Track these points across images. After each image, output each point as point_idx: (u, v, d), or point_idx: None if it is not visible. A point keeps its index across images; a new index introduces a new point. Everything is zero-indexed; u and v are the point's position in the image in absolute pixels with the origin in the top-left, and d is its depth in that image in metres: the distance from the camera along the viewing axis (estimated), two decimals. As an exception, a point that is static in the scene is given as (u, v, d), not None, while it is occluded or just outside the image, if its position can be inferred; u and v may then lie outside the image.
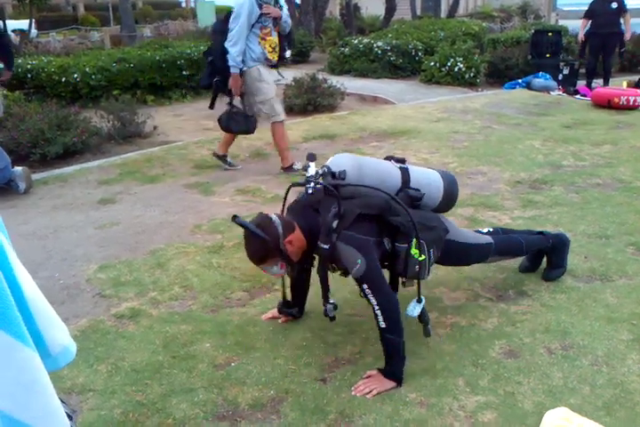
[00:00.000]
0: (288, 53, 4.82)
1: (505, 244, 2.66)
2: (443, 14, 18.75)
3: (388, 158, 2.45)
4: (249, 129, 4.78)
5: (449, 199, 2.46)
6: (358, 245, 2.09)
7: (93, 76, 8.15)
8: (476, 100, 7.94)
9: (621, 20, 8.38)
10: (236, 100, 4.84)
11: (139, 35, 15.75)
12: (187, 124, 7.48)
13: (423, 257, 2.18)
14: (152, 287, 2.95)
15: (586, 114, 6.91)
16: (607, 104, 7.06)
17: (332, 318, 2.24)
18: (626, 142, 5.48)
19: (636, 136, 5.69)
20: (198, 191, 4.48)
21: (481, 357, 2.30)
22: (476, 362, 2.27)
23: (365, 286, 2.10)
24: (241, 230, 3.60)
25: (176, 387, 2.18)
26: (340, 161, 2.28)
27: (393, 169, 2.34)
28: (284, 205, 2.36)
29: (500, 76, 10.09)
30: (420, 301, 2.21)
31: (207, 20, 20.58)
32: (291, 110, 7.70)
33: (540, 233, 2.85)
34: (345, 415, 2.01)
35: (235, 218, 2.08)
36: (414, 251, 2.16)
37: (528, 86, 8.82)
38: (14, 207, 4.27)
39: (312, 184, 2.13)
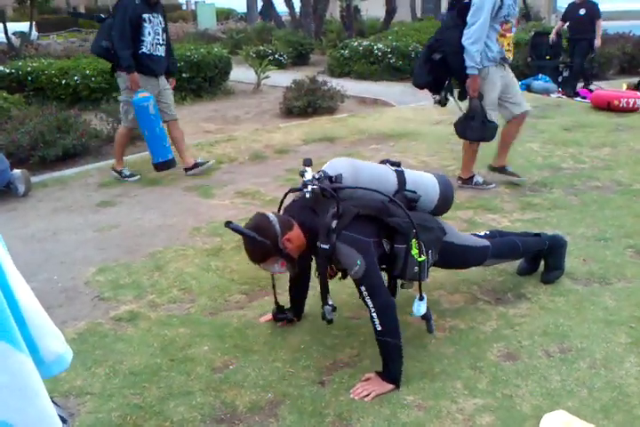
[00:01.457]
0: None
1: (502, 246, 2.67)
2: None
3: (384, 162, 2.46)
4: (485, 136, 4.17)
5: (445, 201, 2.48)
6: (358, 247, 2.10)
7: (93, 79, 8.16)
8: (476, 103, 7.93)
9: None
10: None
11: (139, 37, 15.73)
12: (186, 126, 7.43)
13: (423, 258, 2.19)
14: (150, 290, 2.95)
15: (585, 116, 6.92)
16: (607, 106, 7.06)
17: (330, 321, 2.23)
18: (625, 145, 5.48)
19: (636, 139, 5.69)
20: (198, 194, 4.48)
21: (479, 360, 2.30)
22: (475, 365, 2.27)
23: (363, 288, 2.10)
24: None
25: (174, 390, 2.18)
26: (336, 165, 2.30)
27: (389, 172, 2.36)
28: (279, 209, 2.35)
29: (499, 78, 10.08)
30: (422, 298, 2.21)
31: (207, 22, 20.65)
32: (290, 113, 7.72)
33: (537, 235, 2.86)
34: (343, 418, 2.01)
35: (228, 224, 2.08)
36: (414, 251, 2.17)
37: (528, 88, 8.82)
38: (14, 210, 4.27)
39: (309, 188, 2.15)
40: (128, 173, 4.93)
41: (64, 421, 1.53)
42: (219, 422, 2.02)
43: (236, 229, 2.08)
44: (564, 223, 3.60)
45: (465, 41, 3.89)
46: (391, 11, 15.88)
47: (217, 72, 9.43)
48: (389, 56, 11.04)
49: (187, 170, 4.97)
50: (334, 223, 2.09)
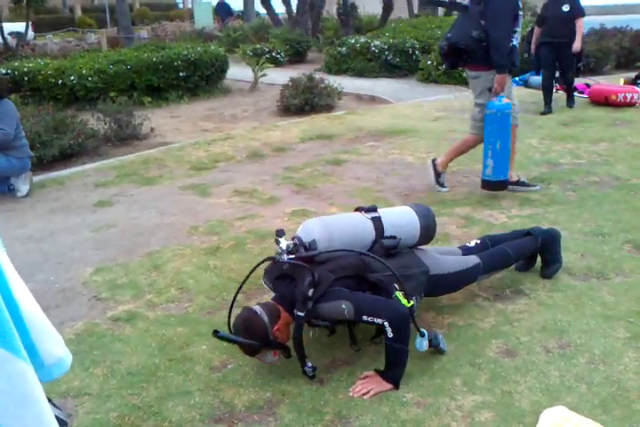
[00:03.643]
0: None
1: (493, 259, 2.66)
2: (440, 12, 18.72)
3: (359, 209, 2.47)
4: None
5: (427, 233, 2.51)
6: (335, 297, 2.13)
7: (90, 79, 8.15)
8: (474, 99, 7.92)
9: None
10: None
11: (136, 36, 15.73)
12: (184, 125, 7.47)
13: (412, 303, 2.19)
14: (148, 290, 2.95)
15: (583, 111, 6.90)
16: (605, 101, 7.05)
17: (312, 378, 2.21)
18: (623, 140, 5.47)
19: (634, 133, 5.68)
20: (195, 193, 4.47)
21: (478, 356, 2.29)
22: (474, 362, 2.26)
23: (365, 317, 2.10)
24: (237, 232, 3.62)
25: (172, 390, 2.17)
26: (309, 229, 2.33)
27: (364, 223, 2.38)
28: (246, 279, 2.33)
29: (497, 74, 10.07)
30: (422, 335, 2.21)
31: (204, 20, 20.58)
32: (288, 110, 7.71)
33: (528, 233, 2.85)
34: (342, 416, 2.00)
35: (216, 333, 2.09)
36: (404, 301, 2.17)
37: (525, 84, 8.81)
38: (11, 211, 4.26)
39: (285, 258, 2.20)
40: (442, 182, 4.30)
41: (64, 423, 1.53)
42: (217, 421, 2.01)
43: (225, 338, 2.12)
44: (561, 219, 3.59)
45: None
46: (388, 7, 15.85)
47: (214, 70, 9.42)
48: (386, 53, 11.02)
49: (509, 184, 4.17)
50: (310, 292, 2.11)
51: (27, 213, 4.21)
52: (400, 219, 2.45)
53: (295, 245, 2.26)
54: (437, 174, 4.30)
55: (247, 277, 2.30)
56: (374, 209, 2.45)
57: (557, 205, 3.84)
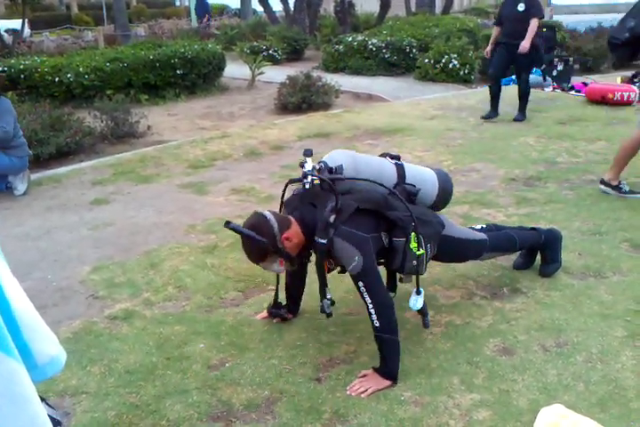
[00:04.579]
0: None
1: (498, 240, 2.67)
2: (438, 10, 18.71)
3: (383, 155, 2.45)
4: None
5: (444, 196, 2.47)
6: (356, 243, 2.08)
7: (87, 76, 8.12)
8: (471, 97, 7.94)
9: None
10: None
11: (132, 34, 15.68)
12: (181, 123, 7.46)
13: (422, 251, 2.19)
14: (145, 288, 2.94)
15: (580, 110, 6.91)
16: (601, 100, 7.05)
17: (329, 315, 2.22)
18: (620, 138, 5.46)
19: (630, 132, 5.68)
20: (192, 191, 4.46)
21: (476, 355, 2.30)
22: (471, 360, 2.26)
23: (361, 284, 2.09)
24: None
25: (170, 388, 2.17)
26: (336, 157, 2.29)
27: (388, 165, 2.35)
28: (281, 203, 2.35)
29: (494, 72, 10.07)
30: (419, 292, 2.21)
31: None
32: (285, 108, 7.70)
33: (533, 229, 2.87)
34: (340, 415, 2.00)
35: (227, 224, 2.06)
36: (413, 245, 2.16)
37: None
38: (8, 209, 4.25)
39: (309, 179, 2.14)
40: (628, 189, 3.94)
41: (58, 423, 1.52)
42: (215, 419, 2.01)
43: (236, 229, 2.07)
44: (559, 217, 3.59)
45: None
46: (385, 5, 15.83)
47: (211, 68, 9.39)
48: (384, 51, 11.01)
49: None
50: (332, 218, 2.07)
51: (24, 211, 4.20)
52: (422, 174, 2.42)
53: (321, 168, 2.19)
54: (618, 188, 3.94)
55: (281, 202, 2.33)
56: (398, 157, 2.43)
57: (555, 204, 3.85)
